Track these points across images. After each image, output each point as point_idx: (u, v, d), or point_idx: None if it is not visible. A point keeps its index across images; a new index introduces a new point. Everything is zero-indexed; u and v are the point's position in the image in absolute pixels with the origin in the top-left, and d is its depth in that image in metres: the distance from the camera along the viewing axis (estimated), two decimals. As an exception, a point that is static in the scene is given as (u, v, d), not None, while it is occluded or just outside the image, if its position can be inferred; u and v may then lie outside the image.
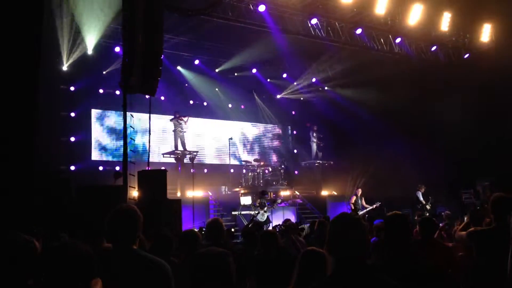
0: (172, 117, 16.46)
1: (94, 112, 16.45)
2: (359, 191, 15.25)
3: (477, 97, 14.87)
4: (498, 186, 14.44)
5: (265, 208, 13.42)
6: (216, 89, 18.51)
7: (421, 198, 15.10)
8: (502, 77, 14.49)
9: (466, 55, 16.47)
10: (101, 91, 16.00)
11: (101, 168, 15.90)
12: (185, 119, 16.44)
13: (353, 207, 14.97)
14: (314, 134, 19.35)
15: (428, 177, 15.71)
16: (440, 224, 8.25)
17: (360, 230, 2.28)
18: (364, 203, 15.08)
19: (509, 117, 15.58)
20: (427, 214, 12.64)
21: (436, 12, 14.81)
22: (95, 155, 16.36)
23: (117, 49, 14.29)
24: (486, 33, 15.71)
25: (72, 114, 15.43)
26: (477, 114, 15.06)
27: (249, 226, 9.50)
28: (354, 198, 15.20)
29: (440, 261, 4.34)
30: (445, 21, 14.88)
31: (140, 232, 2.90)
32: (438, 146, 16.12)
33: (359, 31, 14.58)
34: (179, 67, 16.74)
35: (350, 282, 2.18)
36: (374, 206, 14.83)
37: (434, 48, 16.06)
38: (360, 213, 14.66)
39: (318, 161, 19.06)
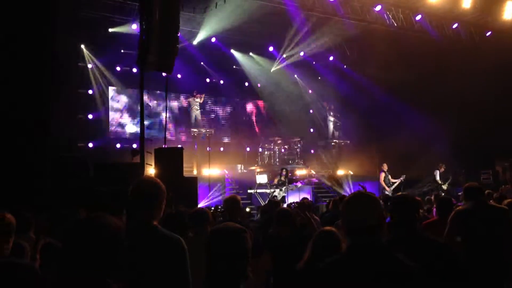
0: (190, 95, 16.49)
1: (111, 90, 16.53)
2: (385, 166, 15.11)
3: (498, 76, 14.54)
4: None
5: (283, 188, 13.44)
6: (234, 66, 18.40)
7: (438, 178, 14.92)
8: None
9: (488, 33, 16.07)
10: (118, 68, 16.03)
11: (118, 145, 16.04)
12: (200, 97, 16.44)
13: (383, 185, 14.84)
14: (331, 113, 19.22)
15: (448, 156, 15.54)
16: (459, 204, 8.17)
17: (374, 208, 2.25)
18: (390, 178, 15.01)
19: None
20: (442, 194, 12.52)
21: (459, -12, 14.45)
22: (113, 133, 16.50)
23: (134, 26, 14.25)
24: (509, 10, 15.27)
25: (90, 92, 15.51)
26: (498, 94, 14.78)
27: (266, 203, 9.53)
28: (383, 175, 15.07)
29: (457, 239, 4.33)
30: (467, -2, 14.51)
31: (163, 206, 2.83)
32: (458, 125, 15.89)
33: (378, 7, 14.31)
34: (194, 42, 16.57)
35: (362, 259, 2.16)
36: (400, 179, 14.83)
37: (455, 25, 15.71)
38: (391, 188, 14.66)
39: (334, 140, 18.95)
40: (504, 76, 14.63)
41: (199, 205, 11.69)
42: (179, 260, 2.72)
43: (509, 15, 15.29)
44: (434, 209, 6.82)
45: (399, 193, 3.36)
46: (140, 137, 10.50)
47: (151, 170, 11.25)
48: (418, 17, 14.98)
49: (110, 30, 14.98)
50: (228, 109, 19.41)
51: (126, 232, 2.72)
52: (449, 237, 4.21)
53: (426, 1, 14.21)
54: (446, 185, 14.72)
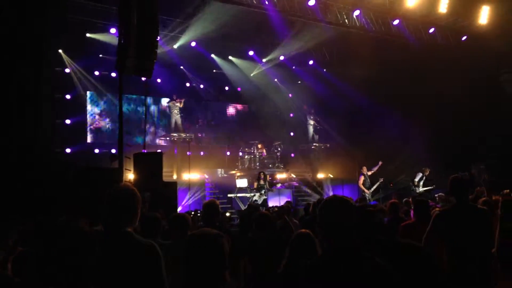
0: (169, 100, 16.43)
1: (90, 94, 16.35)
2: (365, 169, 15.22)
3: (473, 79, 14.81)
4: (493, 169, 14.60)
5: (263, 191, 13.47)
6: (214, 70, 18.38)
7: (417, 179, 15.01)
8: (499, 60, 14.48)
9: (464, 37, 16.37)
10: (96, 73, 15.87)
11: (97, 150, 15.87)
12: (180, 101, 16.40)
13: (363, 188, 14.94)
14: (311, 117, 19.33)
15: (424, 159, 15.75)
16: (437, 206, 8.28)
17: (349, 212, 2.29)
18: (369, 181, 15.14)
19: (506, 100, 15.63)
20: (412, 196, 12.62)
21: (435, -6, 14.69)
22: (91, 138, 16.33)
23: (113, 30, 14.14)
24: (484, 15, 15.58)
25: (68, 97, 15.33)
26: (473, 97, 15.05)
27: (246, 208, 9.54)
28: (362, 178, 15.13)
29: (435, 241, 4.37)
30: (444, 3, 14.73)
31: (139, 213, 2.82)
32: (434, 128, 16.14)
33: (357, 12, 14.47)
34: (175, 46, 16.51)
35: (340, 262, 2.19)
36: (380, 182, 14.99)
37: (432, 30, 15.96)
38: (371, 190, 14.77)
39: (314, 144, 19.07)
40: (479, 80, 14.91)
41: (179, 210, 11.64)
42: (154, 266, 2.71)
43: (484, 19, 15.59)
44: (412, 211, 6.91)
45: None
46: (118, 142, 10.40)
47: (130, 175, 11.17)
48: (396, 22, 15.17)
49: (88, 35, 14.84)
50: (208, 113, 19.38)
51: (101, 239, 2.71)
52: (428, 239, 4.25)
53: (404, 6, 14.41)
54: (422, 190, 14.68)
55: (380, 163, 15.25)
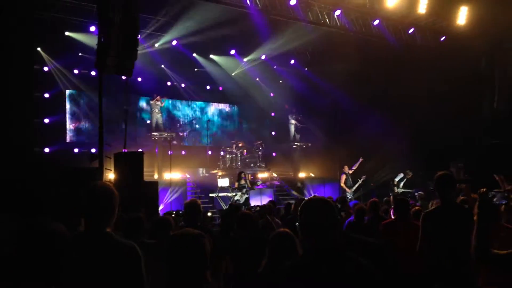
0: (151, 98, 16.33)
1: (69, 93, 16.15)
2: (346, 168, 15.27)
3: (452, 79, 15.04)
4: (471, 168, 14.85)
5: (244, 190, 13.47)
6: (195, 69, 18.30)
7: (397, 179, 15.19)
8: (476, 60, 14.75)
9: (443, 38, 16.61)
10: (76, 71, 15.67)
11: (76, 150, 15.67)
12: (161, 100, 16.31)
13: (344, 187, 14.98)
14: (293, 116, 19.40)
15: (404, 158, 15.95)
16: (417, 204, 8.41)
17: (329, 212, 2.31)
18: (351, 180, 15.18)
19: (484, 99, 15.92)
20: (391, 195, 12.75)
21: (414, -6, 14.87)
22: (70, 137, 16.12)
23: (93, 28, 13.97)
24: (462, 15, 15.83)
25: (46, 95, 15.10)
26: (452, 96, 15.29)
27: (227, 208, 9.53)
28: (344, 177, 15.15)
29: (414, 239, 4.41)
30: (423, 3, 14.92)
31: (117, 211, 2.78)
32: (413, 127, 16.35)
33: (338, 12, 14.56)
34: (156, 45, 16.40)
35: (320, 262, 2.20)
36: (361, 180, 15.00)
37: (411, 30, 16.15)
38: (352, 189, 14.83)
39: (296, 143, 19.15)
40: (457, 80, 15.14)
41: (160, 209, 11.56)
42: (133, 267, 2.68)
43: (462, 20, 15.84)
44: (392, 210, 6.99)
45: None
46: (99, 142, 10.30)
47: (110, 175, 11.06)
48: (376, 22, 15.31)
49: (67, 33, 14.65)
50: (190, 112, 19.31)
51: (79, 240, 2.68)
52: (424, 240, 4.26)
53: (384, 7, 14.55)
54: (400, 190, 14.84)
55: (360, 159, 15.35)
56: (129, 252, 2.69)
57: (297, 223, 2.36)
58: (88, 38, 14.17)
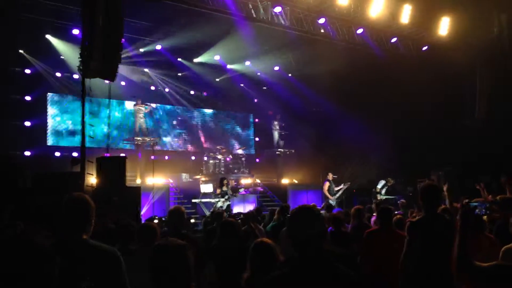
0: (134, 103, 16.21)
1: (51, 96, 15.95)
2: (330, 175, 15.27)
3: (433, 88, 15.24)
4: (452, 175, 15.06)
5: (226, 197, 13.42)
6: (179, 74, 18.23)
7: (379, 186, 15.28)
8: (458, 70, 14.99)
9: (425, 48, 16.84)
10: (58, 74, 15.49)
11: (57, 154, 15.47)
12: (145, 106, 16.20)
13: (327, 194, 14.96)
14: (276, 123, 19.44)
15: (386, 166, 16.10)
16: (398, 213, 8.47)
17: (316, 222, 2.32)
18: (334, 187, 15.17)
19: (464, 108, 16.18)
20: (374, 202, 12.81)
21: (398, 4, 15.04)
22: (52, 141, 15.90)
23: (76, 31, 13.83)
24: (444, 26, 16.08)
25: (28, 98, 14.89)
26: (434, 105, 15.49)
27: (209, 215, 9.48)
28: (327, 184, 15.09)
29: (398, 248, 4.43)
30: (406, 13, 15.13)
31: (93, 221, 2.86)
32: (396, 135, 16.52)
33: (322, 20, 14.65)
34: (141, 50, 16.31)
35: (306, 272, 2.21)
36: (345, 187, 15.02)
37: (394, 40, 16.34)
38: (335, 197, 14.82)
39: (279, 149, 19.17)
40: (438, 89, 15.35)
41: (142, 213, 11.46)
42: (114, 270, 2.73)
43: (444, 31, 16.08)
44: (373, 217, 7.05)
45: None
46: (81, 146, 10.20)
47: (92, 180, 10.94)
48: (360, 31, 15.46)
49: (48, 36, 14.50)
50: (173, 117, 19.22)
51: (56, 247, 2.66)
52: (409, 248, 4.26)
53: (367, 16, 14.70)
54: (383, 197, 14.94)
55: (343, 186, 15.19)
56: (109, 256, 2.76)
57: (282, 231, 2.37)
58: (72, 40, 14.02)
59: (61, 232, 2.87)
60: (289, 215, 2.45)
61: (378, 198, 14.73)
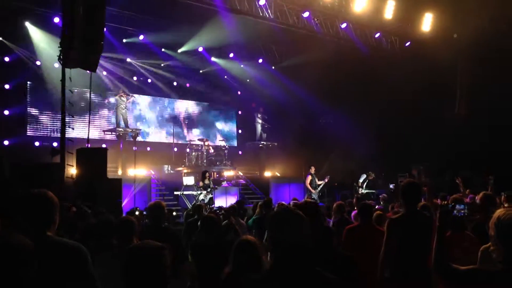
0: (116, 94, 16.04)
1: (30, 85, 15.68)
2: (313, 169, 15.30)
3: (415, 84, 15.37)
4: (432, 170, 15.27)
5: (209, 189, 13.40)
6: (162, 64, 18.05)
7: (361, 180, 15.39)
8: (439, 66, 15.15)
9: (408, 43, 16.96)
10: (38, 63, 15.21)
11: (37, 143, 15.25)
12: (127, 97, 16.04)
13: (309, 188, 14.99)
14: (259, 115, 19.43)
15: (368, 160, 16.23)
16: (378, 207, 8.55)
17: (301, 226, 2.26)
18: (317, 180, 15.22)
19: (445, 104, 16.36)
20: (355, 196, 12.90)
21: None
22: (31, 130, 15.65)
23: (56, 19, 13.58)
24: (427, 22, 16.20)
25: (7, 86, 14.61)
26: (416, 100, 15.65)
27: (191, 208, 9.45)
28: (309, 177, 15.13)
29: (378, 244, 4.47)
30: (390, 9, 15.19)
31: (56, 216, 2.81)
32: (378, 130, 16.65)
33: (306, 14, 14.64)
34: (124, 40, 16.11)
35: (289, 275, 2.18)
36: (325, 180, 15.07)
37: (378, 35, 16.43)
38: (317, 190, 14.88)
39: (262, 142, 19.19)
40: (420, 85, 15.49)
41: (123, 205, 11.37)
42: (80, 266, 2.70)
43: (427, 27, 16.21)
44: (354, 212, 7.10)
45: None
46: (61, 136, 10.07)
47: (72, 171, 10.81)
48: (344, 25, 15.50)
49: (27, 23, 14.22)
50: (156, 108, 19.08)
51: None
52: (388, 246, 4.28)
53: (351, 10, 14.74)
54: (364, 191, 15.05)
55: (326, 179, 15.27)
56: (73, 251, 2.73)
57: (266, 235, 2.32)
58: (52, 28, 13.76)
59: (24, 228, 2.75)
60: (273, 217, 2.36)
61: (360, 192, 14.85)
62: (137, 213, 9.19)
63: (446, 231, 2.77)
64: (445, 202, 2.82)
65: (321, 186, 15.17)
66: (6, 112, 14.50)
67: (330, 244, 3.44)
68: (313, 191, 14.97)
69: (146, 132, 18.24)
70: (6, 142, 14.20)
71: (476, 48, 14.73)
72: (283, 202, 7.77)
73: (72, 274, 2.65)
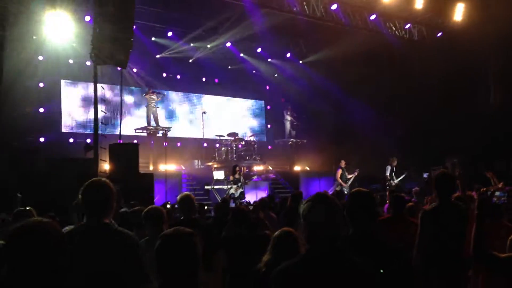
0: (146, 92, 16.21)
1: (64, 83, 16.03)
2: (343, 163, 15.11)
3: (448, 75, 15.05)
4: (467, 163, 14.91)
5: (239, 184, 13.45)
6: (190, 60, 18.18)
7: (387, 173, 15.09)
8: (472, 57, 14.77)
9: (439, 34, 16.60)
10: (71, 61, 15.51)
11: (71, 140, 15.59)
12: (157, 95, 16.18)
13: (340, 181, 14.88)
14: (288, 113, 19.30)
15: (400, 153, 15.97)
16: (412, 200, 8.40)
17: (335, 212, 2.25)
18: (347, 174, 15.08)
19: (478, 95, 15.96)
20: (388, 189, 12.68)
21: (412, -10, 14.85)
22: (65, 127, 16.03)
23: (88, 18, 13.81)
24: (459, 12, 15.82)
25: (41, 85, 14.97)
26: (448, 92, 15.31)
27: (219, 203, 9.52)
28: (339, 171, 14.94)
29: (410, 237, 4.41)
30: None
31: (114, 204, 2.93)
32: (410, 122, 16.38)
33: (334, 6, 14.50)
34: (153, 38, 16.30)
35: (320, 262, 2.17)
36: (355, 174, 14.92)
37: (408, 26, 16.13)
38: (347, 184, 14.72)
39: (291, 139, 19.08)
40: (453, 76, 15.16)
41: (155, 200, 11.54)
42: (134, 252, 2.83)
43: (459, 16, 15.82)
44: (386, 205, 7.00)
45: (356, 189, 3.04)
46: (94, 132, 10.29)
47: (105, 166, 11.03)
48: (373, 17, 15.28)
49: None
50: (185, 104, 19.23)
51: (79, 231, 2.81)
52: (422, 237, 4.23)
53: (380, 1, 14.52)
54: (397, 181, 14.77)
55: (356, 172, 15.11)
56: (129, 240, 2.87)
57: (300, 221, 2.31)
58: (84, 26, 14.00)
59: (83, 217, 2.95)
60: (307, 204, 2.31)
61: (393, 184, 14.56)
62: (168, 206, 9.31)
63: (485, 219, 2.70)
64: (484, 189, 2.75)
65: (351, 180, 14.99)
66: (41, 110, 14.86)
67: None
68: (344, 184, 14.80)
69: (176, 128, 18.39)
70: (42, 139, 14.57)
71: (509, 38, 14.31)
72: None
73: (127, 260, 2.78)
